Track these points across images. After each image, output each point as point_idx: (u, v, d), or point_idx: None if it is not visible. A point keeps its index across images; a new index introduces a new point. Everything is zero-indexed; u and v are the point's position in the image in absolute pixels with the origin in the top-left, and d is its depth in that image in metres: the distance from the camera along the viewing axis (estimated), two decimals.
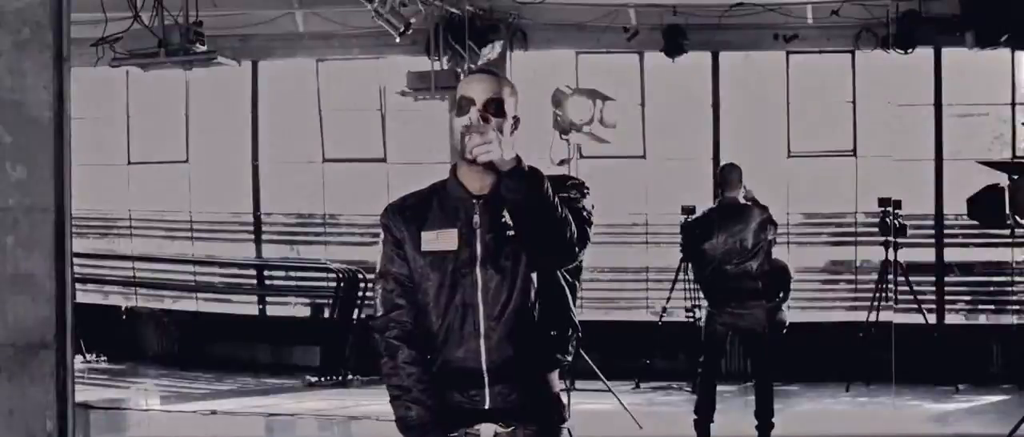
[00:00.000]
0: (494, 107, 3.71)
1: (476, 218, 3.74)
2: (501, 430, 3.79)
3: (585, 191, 4.35)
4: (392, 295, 3.80)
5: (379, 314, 3.82)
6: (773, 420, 8.98)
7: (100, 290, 15.38)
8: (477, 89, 3.73)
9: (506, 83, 3.80)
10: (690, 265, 11.30)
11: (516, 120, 3.79)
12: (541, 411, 3.84)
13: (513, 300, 3.73)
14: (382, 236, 3.84)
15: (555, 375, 3.92)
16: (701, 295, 9.69)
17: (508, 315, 3.72)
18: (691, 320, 12.09)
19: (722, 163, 9.57)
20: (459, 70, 12.41)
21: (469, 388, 3.77)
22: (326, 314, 13.68)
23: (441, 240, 3.75)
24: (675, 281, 12.50)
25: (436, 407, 3.75)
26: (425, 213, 3.80)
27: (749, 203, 9.11)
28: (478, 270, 3.72)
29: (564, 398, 3.97)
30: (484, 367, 3.73)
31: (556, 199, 3.62)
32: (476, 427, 3.80)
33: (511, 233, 3.70)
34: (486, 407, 3.77)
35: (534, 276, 3.77)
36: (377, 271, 3.86)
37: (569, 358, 3.92)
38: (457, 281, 3.73)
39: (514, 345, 3.73)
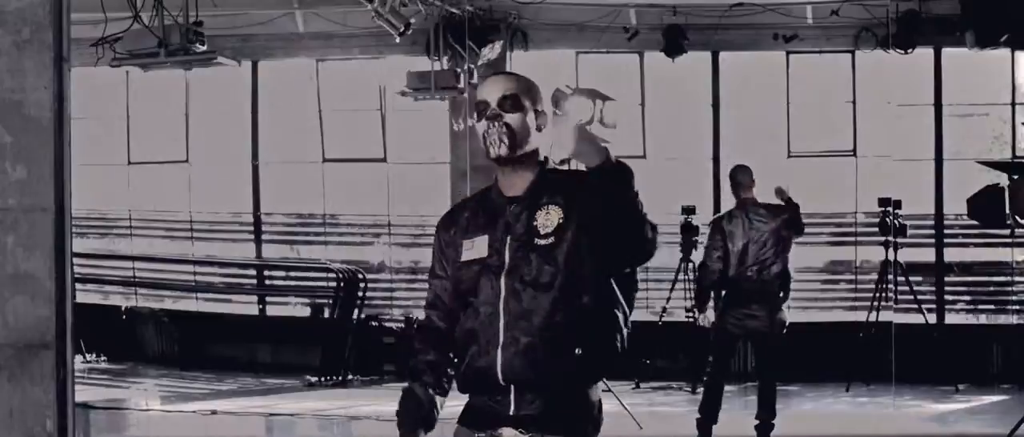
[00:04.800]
0: (509, 104, 3.70)
1: (507, 224, 3.68)
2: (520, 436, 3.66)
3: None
4: (430, 302, 3.86)
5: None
6: (774, 421, 8.98)
7: (100, 290, 15.35)
8: (490, 90, 3.72)
9: (521, 80, 3.78)
10: (692, 265, 11.30)
11: (542, 114, 3.79)
12: (569, 421, 3.66)
13: (538, 311, 3.58)
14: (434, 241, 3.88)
15: (593, 386, 3.70)
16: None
17: (530, 326, 3.58)
18: (691, 320, 12.08)
19: (733, 165, 9.45)
20: (459, 70, 12.38)
21: (495, 393, 3.66)
22: (326, 314, 13.65)
23: (476, 248, 3.70)
24: (675, 281, 12.62)
25: (435, 402, 3.76)
26: (469, 220, 3.76)
27: (776, 203, 9.02)
28: (503, 279, 3.63)
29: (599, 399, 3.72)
30: (500, 377, 3.60)
31: (638, 196, 3.50)
32: (500, 430, 3.67)
33: (542, 241, 3.61)
34: (511, 413, 3.65)
35: (572, 285, 3.59)
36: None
37: (610, 368, 3.71)
38: (485, 289, 3.65)
39: (535, 357, 3.57)
